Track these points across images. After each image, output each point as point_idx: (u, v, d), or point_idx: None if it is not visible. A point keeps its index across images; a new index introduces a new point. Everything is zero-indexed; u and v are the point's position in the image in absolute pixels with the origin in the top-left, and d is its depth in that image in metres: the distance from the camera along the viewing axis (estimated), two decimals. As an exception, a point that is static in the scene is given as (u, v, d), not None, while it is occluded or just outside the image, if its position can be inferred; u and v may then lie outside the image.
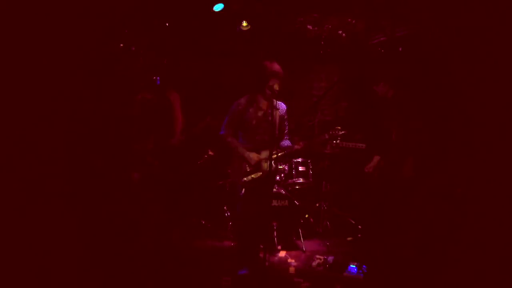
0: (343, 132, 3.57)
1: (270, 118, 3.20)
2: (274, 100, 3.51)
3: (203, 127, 3.91)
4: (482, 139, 2.94)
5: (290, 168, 4.67)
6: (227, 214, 4.74)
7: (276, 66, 3.36)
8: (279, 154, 3.50)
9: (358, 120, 5.43)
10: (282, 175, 4.64)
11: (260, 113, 3.47)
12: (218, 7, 4.70)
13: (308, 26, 5.23)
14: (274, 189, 4.32)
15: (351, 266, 3.69)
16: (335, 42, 5.44)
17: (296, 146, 3.50)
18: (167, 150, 3.94)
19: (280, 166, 4.61)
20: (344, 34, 5.28)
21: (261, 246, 3.62)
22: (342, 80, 5.81)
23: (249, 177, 3.43)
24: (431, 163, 3.67)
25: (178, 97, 4.14)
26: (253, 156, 3.42)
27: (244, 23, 5.10)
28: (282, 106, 3.58)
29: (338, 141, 3.80)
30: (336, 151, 4.56)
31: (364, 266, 3.67)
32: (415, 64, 4.48)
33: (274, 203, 4.31)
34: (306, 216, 4.86)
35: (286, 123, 3.64)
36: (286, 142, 3.60)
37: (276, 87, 3.30)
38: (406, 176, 3.83)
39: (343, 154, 4.71)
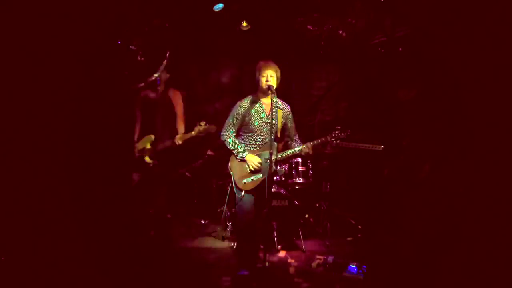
0: (346, 133, 3.48)
1: (272, 120, 3.18)
2: (279, 100, 3.52)
3: (199, 131, 3.88)
4: (482, 139, 2.94)
5: (290, 168, 4.67)
6: (227, 214, 4.75)
7: (264, 61, 3.42)
8: (284, 155, 3.49)
9: (358, 120, 5.44)
10: (283, 176, 4.64)
11: (262, 115, 3.46)
12: (218, 7, 4.71)
13: (308, 26, 5.24)
14: (274, 189, 4.32)
15: (351, 266, 3.68)
16: (335, 42, 5.45)
17: (306, 150, 3.44)
18: (169, 150, 3.93)
19: (281, 168, 4.59)
20: (344, 34, 5.29)
21: (261, 246, 3.62)
22: (342, 80, 5.81)
23: (249, 179, 3.42)
24: (443, 167, 3.61)
25: (180, 96, 4.14)
26: (254, 158, 3.41)
27: (244, 23, 5.11)
28: (286, 106, 3.59)
29: (338, 142, 3.72)
30: (336, 151, 4.55)
31: (364, 266, 3.67)
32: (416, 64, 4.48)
33: (274, 203, 4.31)
34: (306, 216, 4.85)
35: (292, 124, 3.63)
36: (296, 144, 3.59)
37: (270, 79, 3.35)
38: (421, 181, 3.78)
39: (344, 154, 4.72)
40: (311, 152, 3.46)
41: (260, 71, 3.40)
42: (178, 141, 3.87)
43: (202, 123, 3.79)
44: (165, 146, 3.95)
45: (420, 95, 4.12)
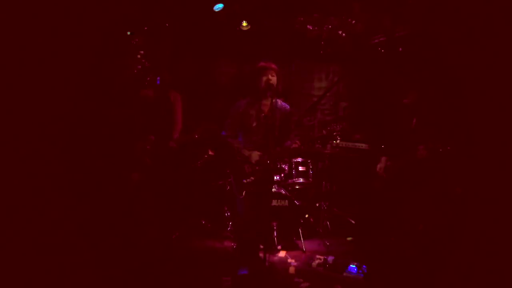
0: (341, 127, 3.48)
1: (271, 120, 3.17)
2: (278, 101, 3.51)
3: (201, 132, 3.88)
4: (483, 139, 2.94)
5: (290, 168, 4.67)
6: (227, 214, 4.74)
7: (264, 61, 3.42)
8: (282, 154, 3.48)
9: (358, 120, 5.44)
10: (282, 175, 4.63)
11: (261, 115, 3.45)
12: (218, 7, 4.71)
13: (308, 26, 5.24)
14: (274, 189, 4.32)
15: (351, 266, 3.68)
16: (335, 42, 5.45)
17: (293, 145, 3.43)
18: (166, 152, 3.93)
19: (281, 168, 4.59)
20: (344, 34, 5.29)
21: (261, 246, 3.62)
22: (342, 80, 5.81)
23: (250, 179, 3.41)
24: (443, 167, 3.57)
25: (179, 97, 4.14)
26: (254, 155, 3.40)
27: (244, 23, 5.11)
28: (285, 106, 3.58)
29: (338, 141, 3.71)
30: (336, 151, 4.55)
31: (364, 266, 3.67)
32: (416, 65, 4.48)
33: (274, 203, 4.31)
34: (306, 216, 4.85)
35: (290, 124, 3.61)
36: (288, 142, 3.58)
37: (270, 80, 3.34)
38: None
39: (344, 154, 4.72)
40: (300, 146, 3.44)
41: (260, 71, 3.40)
42: (175, 143, 3.88)
43: (203, 125, 3.82)
44: (178, 141, 3.96)
45: (421, 97, 4.10)
